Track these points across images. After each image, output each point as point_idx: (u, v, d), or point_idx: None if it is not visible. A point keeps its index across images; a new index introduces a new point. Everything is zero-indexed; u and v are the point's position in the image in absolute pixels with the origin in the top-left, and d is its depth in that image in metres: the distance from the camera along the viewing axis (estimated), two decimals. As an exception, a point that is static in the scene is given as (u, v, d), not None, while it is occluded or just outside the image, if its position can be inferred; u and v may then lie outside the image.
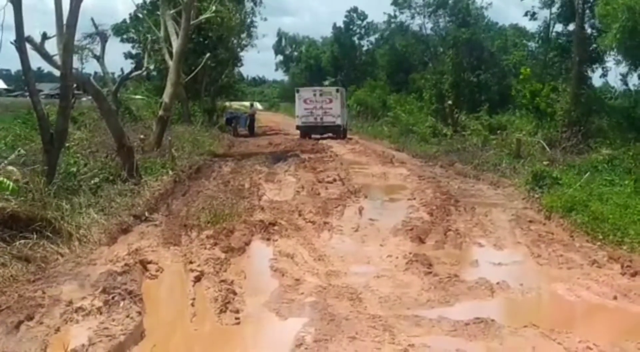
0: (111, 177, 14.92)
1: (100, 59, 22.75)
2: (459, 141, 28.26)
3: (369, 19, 77.19)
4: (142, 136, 20.99)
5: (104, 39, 22.71)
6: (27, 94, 19.29)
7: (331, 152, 26.45)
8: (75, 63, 20.84)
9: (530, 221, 12.22)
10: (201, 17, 29.99)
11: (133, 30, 46.88)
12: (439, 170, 21.66)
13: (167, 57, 26.65)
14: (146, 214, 12.36)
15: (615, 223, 10.65)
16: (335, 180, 17.77)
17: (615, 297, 7.63)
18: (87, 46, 24.21)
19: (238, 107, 47.79)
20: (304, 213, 12.46)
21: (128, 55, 55.31)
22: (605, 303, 7.57)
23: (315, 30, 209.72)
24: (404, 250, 9.80)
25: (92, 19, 22.59)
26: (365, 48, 77.94)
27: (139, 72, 24.22)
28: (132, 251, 9.28)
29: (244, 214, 12.18)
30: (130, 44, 55.41)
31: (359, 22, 77.84)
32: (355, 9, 77.92)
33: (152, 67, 36.03)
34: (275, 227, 11.09)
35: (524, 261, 9.64)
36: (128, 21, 52.11)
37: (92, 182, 13.77)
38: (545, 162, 20.05)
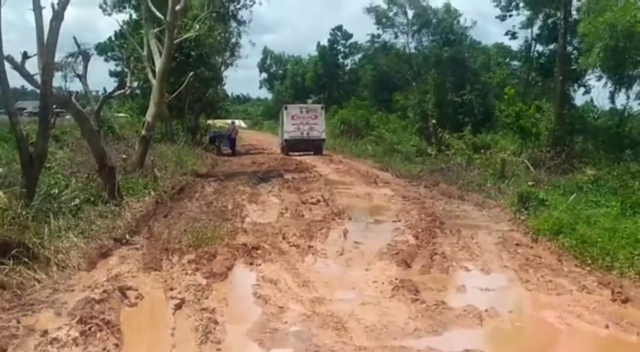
0: (92, 198, 14.70)
1: (82, 78, 22.45)
2: (443, 160, 28.13)
3: (353, 39, 77.34)
4: (124, 156, 20.74)
5: (86, 58, 22.42)
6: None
7: (315, 172, 26.28)
8: (59, 82, 20.76)
9: (517, 244, 12.06)
10: (184, 36, 29.89)
11: (117, 48, 46.74)
12: (423, 190, 21.49)
13: (150, 76, 26.47)
14: (127, 236, 12.12)
15: (604, 247, 10.52)
16: (319, 201, 17.58)
17: (607, 326, 7.45)
18: (70, 65, 23.91)
19: (222, 126, 47.50)
20: (287, 236, 12.25)
21: (112, 74, 55.23)
22: (597, 332, 7.39)
23: (296, 48, 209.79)
24: (389, 275, 9.61)
25: (75, 38, 22.30)
26: (349, 67, 78.05)
27: (122, 91, 23.94)
28: (111, 276, 9.06)
29: (226, 237, 11.96)
30: (115, 62, 55.46)
31: (343, 41, 77.96)
32: (339, 28, 78.13)
33: (135, 85, 35.87)
34: (259, 251, 10.86)
35: (512, 286, 9.46)
36: (113, 39, 52.07)
37: (73, 203, 13.53)
38: (530, 183, 19.96)
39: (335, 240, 12.34)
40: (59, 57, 24.16)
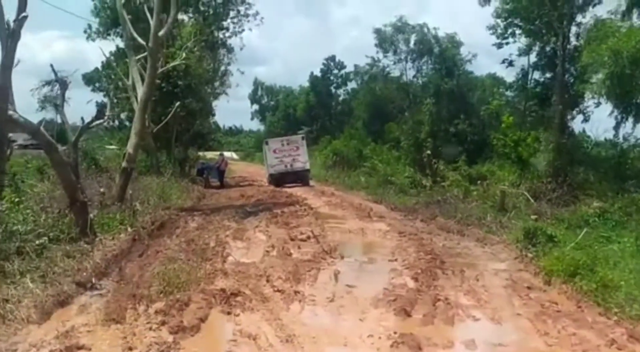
0: (62, 236, 13.48)
1: (59, 107, 21.21)
2: (438, 192, 27.05)
3: (346, 70, 76.64)
4: (102, 189, 19.48)
5: (63, 86, 21.18)
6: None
7: (306, 205, 25.03)
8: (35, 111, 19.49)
9: (529, 288, 10.83)
10: (170, 65, 28.88)
11: (105, 79, 45.66)
12: (420, 224, 20.31)
13: (135, 105, 25.28)
14: (93, 280, 10.86)
15: (630, 292, 9.30)
16: (309, 237, 16.37)
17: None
18: (46, 94, 22.64)
19: (213, 157, 46.28)
20: (272, 279, 10.98)
21: (99, 105, 54.21)
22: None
23: (288, 79, 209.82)
24: (387, 327, 8.37)
25: (52, 65, 21.09)
26: (341, 97, 77.29)
27: (101, 121, 22.57)
28: (63, 332, 7.78)
29: (203, 280, 10.71)
30: (102, 93, 54.43)
31: (336, 71, 77.25)
32: (332, 58, 77.49)
33: (114, 114, 34.78)
34: (238, 298, 9.58)
35: (529, 340, 8.19)
36: (100, 69, 51.06)
37: (37, 242, 12.28)
38: (533, 217, 18.96)
39: (325, 283, 11.07)
40: (33, 86, 23.28)
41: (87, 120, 18.59)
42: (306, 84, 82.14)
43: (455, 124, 43.47)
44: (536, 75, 36.85)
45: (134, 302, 9.35)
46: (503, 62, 37.66)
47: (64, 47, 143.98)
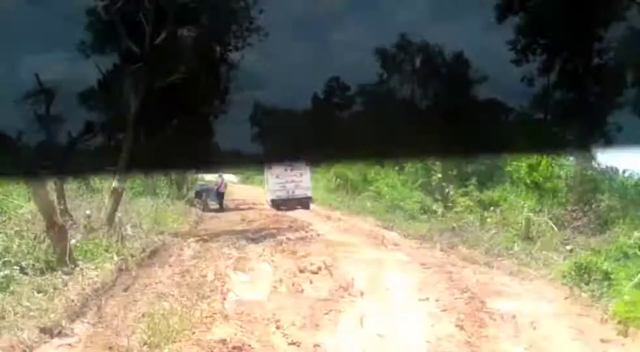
0: (37, 265, 11.51)
1: (44, 119, 19.34)
2: (452, 219, 25.03)
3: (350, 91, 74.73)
4: (88, 212, 17.46)
5: (49, 97, 19.34)
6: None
7: (312, 231, 23.02)
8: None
9: (604, 341, 8.76)
10: (167, 80, 26.97)
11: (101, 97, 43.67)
12: (439, 254, 18.31)
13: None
14: (64, 323, 8.82)
15: None
16: (320, 268, 14.35)
17: None
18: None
19: (211, 179, 44.26)
20: (283, 325, 8.94)
21: (88, 120, 52.16)
22: None
23: (289, 103, 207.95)
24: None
25: (37, 75, 19.25)
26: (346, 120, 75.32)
27: (90, 135, 20.56)
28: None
29: (199, 326, 8.68)
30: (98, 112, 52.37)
31: (339, 92, 75.35)
32: (336, 79, 75.47)
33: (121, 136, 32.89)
34: None
35: None
36: (96, 87, 49.12)
37: (2, 274, 10.31)
38: (568, 248, 17.03)
39: (349, 331, 9.02)
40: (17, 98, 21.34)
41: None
42: (308, 106, 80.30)
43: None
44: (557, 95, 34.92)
45: (109, 358, 7.34)
46: (522, 80, 35.60)
47: (64, 68, 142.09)
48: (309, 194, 36.95)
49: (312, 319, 9.25)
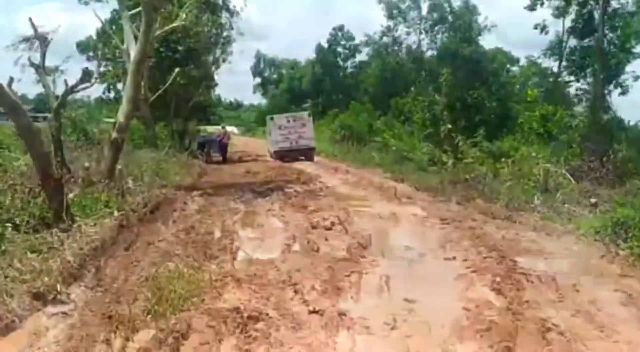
0: (31, 222, 10.64)
1: (39, 68, 18.21)
2: (464, 170, 24.10)
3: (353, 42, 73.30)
4: (86, 164, 16.53)
5: (44, 43, 18.20)
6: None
7: (320, 184, 22.14)
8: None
9: (659, 307, 7.86)
10: (169, 26, 25.85)
11: (100, 46, 42.39)
12: (456, 208, 17.39)
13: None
14: (59, 287, 7.95)
15: None
16: (333, 224, 13.47)
17: None
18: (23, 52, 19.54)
19: (213, 132, 43.19)
20: (302, 289, 8.01)
21: (87, 68, 51.02)
22: None
23: (290, 54, 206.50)
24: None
25: (30, 19, 18.14)
26: (349, 70, 74.00)
27: (87, 85, 19.29)
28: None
29: (208, 291, 7.77)
30: (99, 63, 51.19)
31: (344, 42, 73.88)
32: (341, 28, 74.10)
33: (120, 86, 31.95)
34: (259, 325, 6.63)
35: None
36: (95, 37, 47.73)
37: (-9, 233, 9.45)
38: (592, 200, 16.18)
39: (374, 296, 8.09)
40: (9, 43, 20.22)
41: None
42: (311, 56, 79.09)
43: (474, 96, 40.34)
44: (572, 42, 33.73)
45: (108, 329, 6.46)
46: (536, 27, 34.38)
47: (63, 19, 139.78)
48: (313, 144, 37.54)
49: (333, 282, 8.32)
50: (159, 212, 14.75)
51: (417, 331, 6.71)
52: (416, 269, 9.90)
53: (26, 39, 19.33)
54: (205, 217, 14.04)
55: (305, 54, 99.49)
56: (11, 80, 11.83)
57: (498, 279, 8.67)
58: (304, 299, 7.56)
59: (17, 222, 10.57)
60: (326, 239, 11.64)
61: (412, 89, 51.54)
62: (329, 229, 13.01)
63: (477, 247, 11.25)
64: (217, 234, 12.10)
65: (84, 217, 12.05)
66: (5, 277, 7.84)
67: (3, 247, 9.13)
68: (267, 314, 6.89)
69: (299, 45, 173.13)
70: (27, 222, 10.72)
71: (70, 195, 13.03)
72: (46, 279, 7.95)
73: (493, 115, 40.09)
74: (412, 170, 27.67)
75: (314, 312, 7.07)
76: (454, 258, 10.47)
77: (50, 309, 7.35)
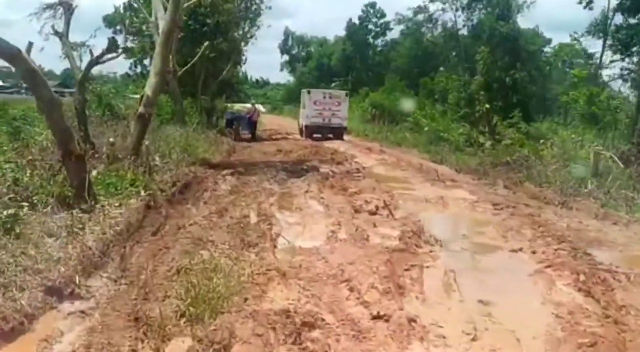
0: (50, 201, 9.62)
1: (63, 36, 17.17)
2: (504, 152, 22.94)
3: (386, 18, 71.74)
4: (111, 139, 15.50)
5: (68, 9, 17.14)
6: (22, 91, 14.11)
7: (357, 164, 21.03)
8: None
9: None
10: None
11: (127, 19, 41.30)
12: (504, 192, 16.29)
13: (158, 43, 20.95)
14: (77, 279, 6.91)
15: None
16: (378, 208, 12.36)
17: None
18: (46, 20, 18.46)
19: (240, 109, 42.03)
20: (358, 286, 6.85)
21: (113, 38, 49.98)
22: None
23: (319, 32, 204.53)
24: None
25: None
26: (380, 48, 72.53)
27: (114, 55, 18.08)
28: None
29: (249, 288, 6.65)
30: (126, 37, 50.13)
31: (375, 19, 72.35)
32: (372, 4, 72.53)
33: (146, 61, 30.88)
34: (315, 333, 5.49)
35: None
36: (122, 10, 46.66)
37: (6, 213, 8.40)
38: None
39: (443, 296, 6.95)
40: (32, 11, 19.15)
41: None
42: (339, 34, 77.82)
43: (512, 75, 38.89)
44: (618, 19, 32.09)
45: (135, 335, 5.39)
46: (580, 2, 32.71)
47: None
48: (345, 124, 37.18)
49: (393, 279, 7.19)
50: (188, 192, 13.70)
51: (504, 343, 5.56)
52: (482, 262, 8.76)
53: (50, 6, 18.25)
54: (239, 199, 12.96)
55: (332, 32, 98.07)
56: (30, 45, 10.66)
57: (582, 277, 7.47)
58: (362, 300, 6.42)
59: (35, 201, 9.58)
60: (374, 225, 10.51)
61: (441, 68, 50.20)
62: (373, 213, 11.91)
63: (543, 237, 10.10)
64: (253, 217, 11.00)
65: (107, 196, 11.01)
66: (16, 266, 6.81)
67: (17, 230, 8.09)
68: (323, 319, 5.76)
69: (325, 23, 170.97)
70: (46, 201, 9.71)
71: (94, 172, 12.02)
72: (63, 269, 6.91)
73: (531, 96, 38.67)
74: (449, 151, 26.45)
75: (378, 317, 5.92)
76: (521, 250, 9.30)
77: (66, 306, 6.31)
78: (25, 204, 9.22)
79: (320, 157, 22.83)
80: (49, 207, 9.46)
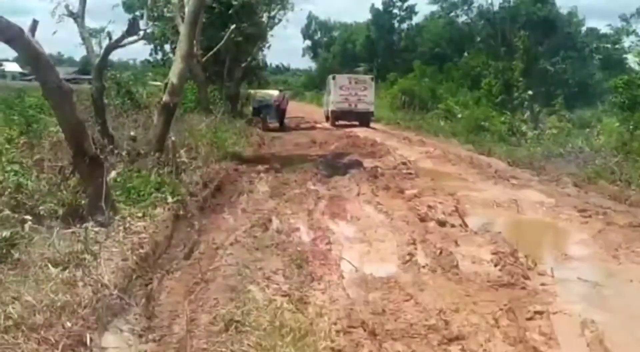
0: (60, 211, 7.79)
1: (78, 18, 15.23)
2: (554, 142, 20.98)
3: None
4: (133, 133, 13.65)
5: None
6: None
7: (400, 157, 19.04)
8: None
9: None
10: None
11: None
12: (573, 190, 14.34)
13: (181, 28, 18.85)
14: (87, 337, 4.99)
15: None
16: (445, 215, 10.48)
17: None
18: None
19: (264, 95, 40.07)
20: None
21: (133, 18, 48.12)
22: None
23: (338, 17, 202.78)
24: None
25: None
26: (405, 33, 70.40)
27: (135, 38, 16.00)
28: None
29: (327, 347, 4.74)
30: (147, 22, 48.21)
31: (400, 3, 70.16)
32: (396, -11, 70.40)
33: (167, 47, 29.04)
34: None
35: None
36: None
37: (3, 234, 6.59)
38: None
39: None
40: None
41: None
42: (363, 19, 76.00)
43: (554, 61, 36.83)
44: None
45: None
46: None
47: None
48: (372, 109, 36.46)
49: (521, 336, 5.22)
50: (222, 195, 11.83)
51: None
52: (615, 301, 6.72)
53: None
54: (282, 204, 11.04)
55: (352, 18, 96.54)
56: (35, 24, 8.69)
57: None
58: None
59: (41, 211, 7.77)
60: (456, 244, 8.52)
61: (466, 54, 48.12)
62: (443, 223, 9.94)
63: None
64: (305, 232, 9.08)
65: (128, 204, 9.16)
66: (5, 319, 4.93)
67: (15, 255, 6.26)
68: None
69: (346, 8, 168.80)
70: (54, 212, 7.91)
71: (112, 173, 10.18)
72: (69, 323, 4.99)
73: (572, 83, 36.65)
74: (491, 141, 24.83)
75: None
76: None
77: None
78: (28, 217, 7.40)
79: (359, 149, 20.91)
80: (57, 220, 7.65)
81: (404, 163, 17.55)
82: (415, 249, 8.15)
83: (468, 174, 16.29)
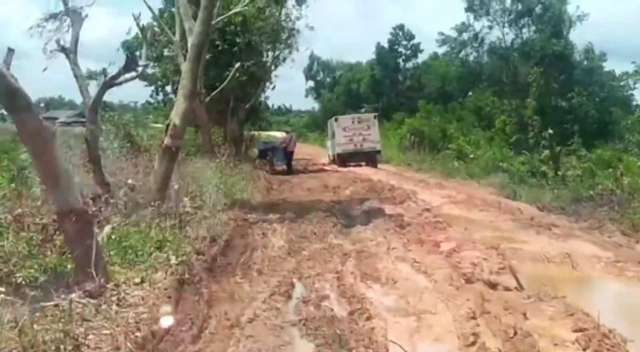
0: (41, 279, 6.45)
1: (70, 53, 13.85)
2: (580, 184, 19.70)
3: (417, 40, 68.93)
4: (130, 181, 12.21)
5: (77, 20, 13.87)
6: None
7: (422, 203, 17.49)
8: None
9: None
10: (228, 13, 21.93)
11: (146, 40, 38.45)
12: (622, 239, 12.82)
13: (183, 66, 17.44)
14: None
15: None
16: (492, 274, 8.94)
17: None
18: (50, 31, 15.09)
19: (268, 137, 38.99)
20: None
21: (143, 77, 47.49)
22: None
23: (346, 57, 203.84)
24: None
25: (59, -11, 13.84)
26: (410, 71, 69.60)
27: (133, 74, 14.41)
28: None
29: None
30: (147, 64, 47.31)
31: (405, 42, 69.46)
32: (401, 27, 69.94)
33: (168, 88, 27.99)
34: None
35: None
36: (140, 34, 43.83)
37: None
38: None
39: None
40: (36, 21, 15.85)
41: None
42: (364, 59, 75.59)
43: (569, 98, 35.62)
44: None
45: None
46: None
47: (109, 25, 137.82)
48: (378, 147, 35.98)
49: None
50: (232, 252, 10.29)
51: None
52: None
53: (54, 16, 14.88)
54: (303, 263, 9.52)
55: (354, 58, 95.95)
56: (10, 53, 7.26)
57: None
58: None
59: (18, 279, 6.35)
60: (525, 317, 6.94)
61: (470, 93, 47.14)
62: (494, 286, 8.39)
63: None
64: (336, 300, 7.53)
65: (124, 266, 7.70)
66: None
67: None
68: None
69: (348, 49, 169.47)
70: (34, 279, 6.49)
71: (106, 229, 8.76)
72: None
73: (591, 121, 35.49)
74: (511, 182, 23.51)
75: None
76: None
77: None
78: (1, 290, 5.91)
79: (376, 194, 19.39)
80: (39, 290, 6.21)
81: (427, 209, 16.01)
82: (477, 325, 6.56)
83: (501, 222, 14.75)
